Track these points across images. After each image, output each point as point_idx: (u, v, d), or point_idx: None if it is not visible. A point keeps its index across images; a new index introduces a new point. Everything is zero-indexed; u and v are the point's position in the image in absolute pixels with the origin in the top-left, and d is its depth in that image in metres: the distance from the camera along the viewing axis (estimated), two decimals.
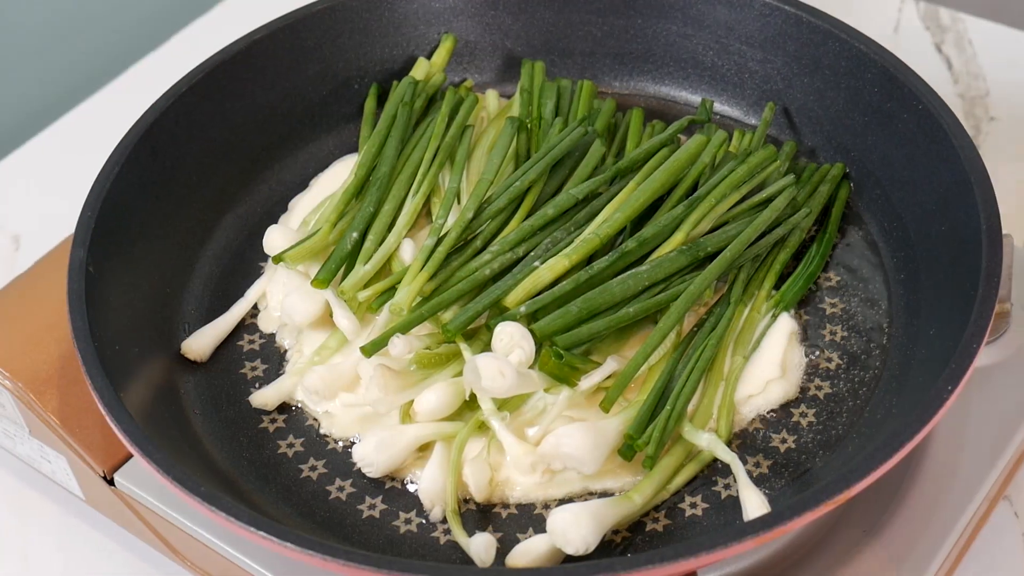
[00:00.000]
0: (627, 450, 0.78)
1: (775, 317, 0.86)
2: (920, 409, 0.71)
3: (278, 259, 0.87)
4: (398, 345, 0.81)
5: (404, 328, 0.82)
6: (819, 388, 0.83)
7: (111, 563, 0.90)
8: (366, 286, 0.87)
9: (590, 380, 0.80)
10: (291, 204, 0.96)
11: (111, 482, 0.85)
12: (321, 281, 0.85)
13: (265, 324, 0.89)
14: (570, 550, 0.73)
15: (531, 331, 0.80)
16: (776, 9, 0.95)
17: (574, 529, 0.73)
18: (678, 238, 0.86)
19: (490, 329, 0.81)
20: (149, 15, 1.35)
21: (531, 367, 0.80)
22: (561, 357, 0.78)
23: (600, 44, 1.02)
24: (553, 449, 0.77)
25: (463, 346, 0.81)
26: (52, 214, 1.10)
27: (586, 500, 0.78)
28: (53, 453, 0.87)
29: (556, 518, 0.74)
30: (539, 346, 0.80)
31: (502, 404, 0.80)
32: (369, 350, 0.81)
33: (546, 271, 0.83)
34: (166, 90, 0.91)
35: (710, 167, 0.91)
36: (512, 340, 0.79)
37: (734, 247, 0.86)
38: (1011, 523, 0.86)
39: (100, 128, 1.17)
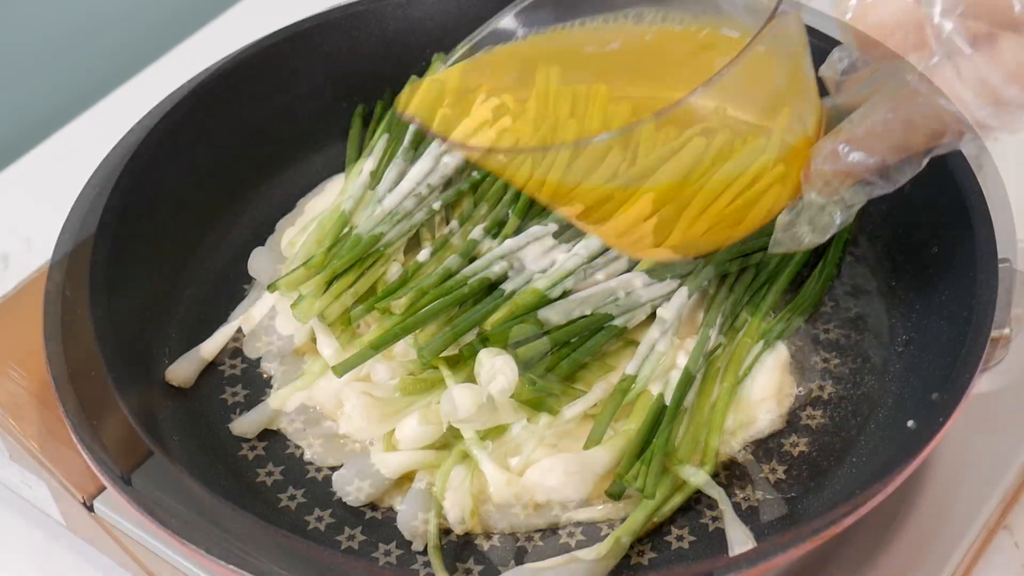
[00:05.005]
0: (616, 489, 0.76)
1: (768, 345, 0.84)
2: (911, 441, 0.70)
3: (273, 288, 0.86)
4: (381, 371, 0.80)
5: (377, 346, 0.80)
6: (811, 417, 0.82)
7: None
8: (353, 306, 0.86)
9: (574, 409, 0.79)
10: (278, 226, 0.95)
11: (91, 508, 0.84)
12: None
13: (249, 349, 0.88)
14: None
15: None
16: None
17: None
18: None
19: (463, 356, 0.79)
20: (141, 33, 1.35)
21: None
22: (535, 384, 0.77)
23: None
24: (537, 482, 0.76)
25: (445, 372, 0.80)
26: (40, 234, 1.09)
27: (569, 531, 0.77)
28: (33, 478, 0.86)
29: None
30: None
31: (485, 433, 0.79)
32: (340, 370, 0.80)
33: (528, 294, 0.82)
34: (150, 109, 0.90)
35: None
36: (494, 367, 0.78)
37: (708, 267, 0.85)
38: (1011, 553, 0.85)
39: (92, 145, 1.16)
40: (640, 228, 0.70)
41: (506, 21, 0.77)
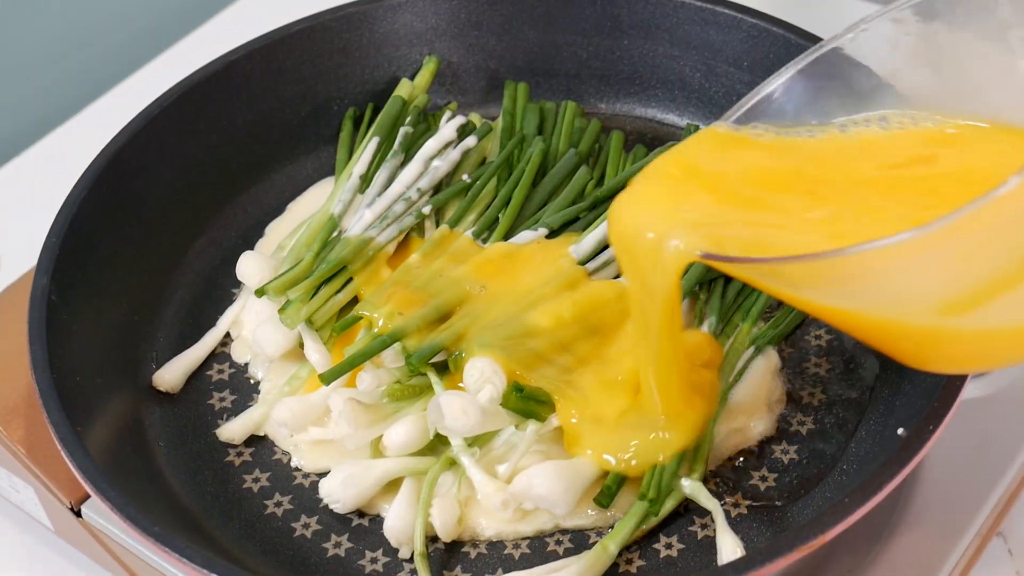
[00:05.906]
0: (604, 497, 0.75)
1: (759, 351, 0.83)
2: (901, 449, 0.69)
3: (260, 292, 0.85)
4: (365, 380, 0.79)
5: (364, 356, 0.79)
6: (801, 424, 0.81)
7: None
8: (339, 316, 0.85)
9: None
10: (267, 229, 0.94)
11: (78, 513, 0.83)
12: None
13: (238, 353, 0.87)
14: None
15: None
16: (764, 31, 0.93)
17: None
18: None
19: (452, 363, 0.79)
20: (132, 37, 1.34)
21: None
22: (522, 391, 0.76)
23: (585, 65, 1.00)
24: (525, 489, 0.75)
25: (433, 379, 0.79)
26: (32, 236, 1.08)
27: (557, 538, 0.76)
28: (21, 483, 0.86)
29: None
30: None
31: (473, 440, 0.78)
32: (327, 378, 0.79)
33: None
34: (138, 112, 0.90)
35: None
36: (483, 376, 0.77)
37: None
38: (1005, 560, 0.84)
39: (84, 148, 1.15)
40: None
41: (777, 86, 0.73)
